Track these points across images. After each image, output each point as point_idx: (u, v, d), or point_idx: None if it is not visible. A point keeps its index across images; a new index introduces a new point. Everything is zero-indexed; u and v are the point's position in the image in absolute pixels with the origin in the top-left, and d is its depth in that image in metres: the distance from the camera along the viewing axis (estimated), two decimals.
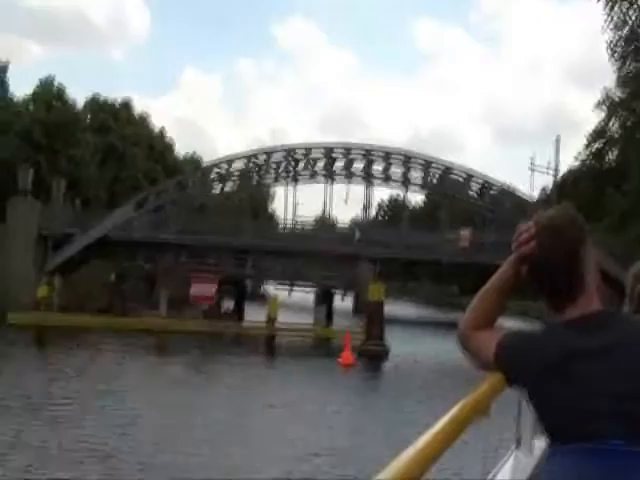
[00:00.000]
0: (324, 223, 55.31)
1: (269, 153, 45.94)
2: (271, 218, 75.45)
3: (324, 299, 42.85)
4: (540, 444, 2.70)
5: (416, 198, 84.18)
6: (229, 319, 41.26)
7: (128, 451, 15.77)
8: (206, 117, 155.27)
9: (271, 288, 72.93)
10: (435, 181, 48.16)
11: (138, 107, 70.08)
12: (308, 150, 46.28)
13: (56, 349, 28.54)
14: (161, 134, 73.79)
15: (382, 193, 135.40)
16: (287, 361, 29.75)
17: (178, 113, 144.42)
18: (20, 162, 46.96)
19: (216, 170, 46.90)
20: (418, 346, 38.46)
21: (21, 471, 13.84)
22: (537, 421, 1.63)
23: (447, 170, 47.01)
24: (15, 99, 56.13)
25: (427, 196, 69.96)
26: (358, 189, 48.96)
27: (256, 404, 21.02)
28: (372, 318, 32.73)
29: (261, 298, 79.84)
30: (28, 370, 24.13)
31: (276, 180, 47.66)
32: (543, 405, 1.55)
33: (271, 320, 30.68)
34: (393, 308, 66.02)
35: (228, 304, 47.41)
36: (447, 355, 35.67)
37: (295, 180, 46.91)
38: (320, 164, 46.64)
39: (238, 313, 44.83)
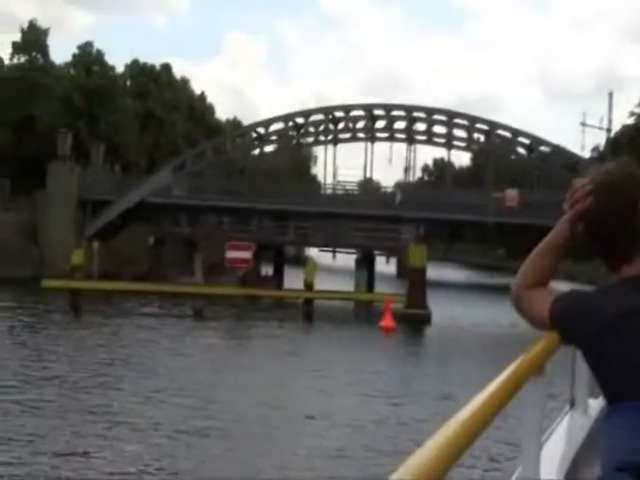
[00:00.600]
0: (367, 185, 53.99)
1: (307, 114, 44.63)
2: (313, 181, 74.33)
3: (364, 263, 41.74)
4: (595, 404, 2.67)
5: (461, 161, 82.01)
6: (268, 285, 40.63)
7: (158, 418, 15.21)
8: (249, 82, 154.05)
9: (315, 252, 72.39)
10: (480, 140, 46.30)
11: (179, 73, 69.46)
12: (348, 110, 44.87)
13: (88, 316, 28.29)
14: (202, 97, 73.01)
15: (427, 155, 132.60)
16: (325, 327, 28.95)
17: (220, 78, 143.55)
18: (61, 127, 46.81)
19: (254, 132, 45.90)
20: (462, 311, 37.26)
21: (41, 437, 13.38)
22: (594, 381, 1.63)
23: (492, 128, 45.07)
24: (56, 65, 55.93)
25: (472, 158, 67.87)
26: (401, 150, 47.49)
27: (292, 370, 20.30)
28: (413, 282, 31.62)
29: (305, 263, 79.32)
30: (59, 337, 23.88)
31: (316, 141, 46.42)
32: (599, 364, 1.54)
33: (308, 285, 29.80)
34: (437, 272, 64.72)
35: (267, 270, 46.83)
36: (493, 320, 34.53)
37: (335, 141, 45.63)
38: (360, 124, 45.23)
39: (277, 278, 44.15)
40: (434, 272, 62.52)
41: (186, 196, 43.90)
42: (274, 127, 44.97)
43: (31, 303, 31.21)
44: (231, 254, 30.61)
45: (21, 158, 49.72)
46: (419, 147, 47.67)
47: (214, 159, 44.64)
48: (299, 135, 45.31)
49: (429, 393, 18.19)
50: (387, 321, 27.66)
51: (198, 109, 68.62)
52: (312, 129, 45.47)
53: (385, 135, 45.98)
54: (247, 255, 30.65)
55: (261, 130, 45.09)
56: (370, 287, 41.57)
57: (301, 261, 76.86)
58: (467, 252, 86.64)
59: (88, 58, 54.95)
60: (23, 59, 54.68)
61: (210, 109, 73.28)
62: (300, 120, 44.97)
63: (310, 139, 46.02)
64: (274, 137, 45.39)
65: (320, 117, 45.15)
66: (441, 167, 79.71)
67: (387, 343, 26.09)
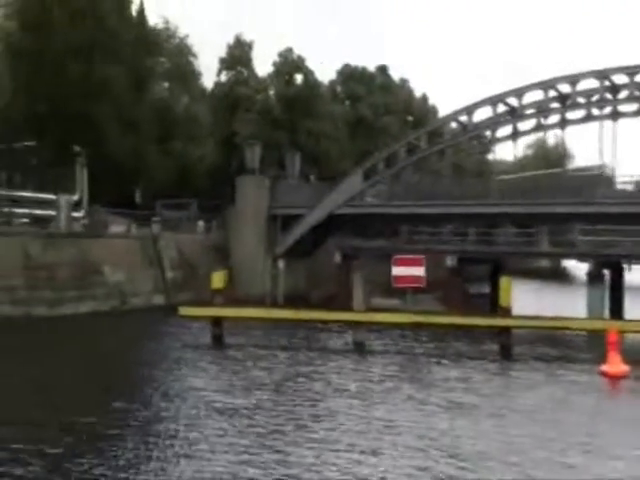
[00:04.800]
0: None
1: (520, 93, 35.83)
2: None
3: (599, 277, 31.56)
4: None
5: None
6: (476, 305, 32.90)
7: None
8: (472, 81, 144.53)
9: (572, 263, 61.94)
10: None
11: (397, 75, 64.00)
12: (574, 80, 35.31)
13: (229, 351, 23.42)
14: (423, 99, 66.81)
15: None
16: (523, 368, 20.64)
17: (442, 77, 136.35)
18: (259, 140, 43.98)
19: (456, 122, 38.35)
20: None
21: None
22: None
23: None
24: (259, 77, 54.00)
25: None
26: None
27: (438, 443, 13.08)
28: None
29: (560, 277, 68.24)
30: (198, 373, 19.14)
31: (538, 126, 37.32)
32: None
33: (504, 310, 21.83)
34: None
35: (482, 288, 38.77)
36: None
37: (563, 123, 36.43)
38: (595, 97, 35.40)
39: (492, 297, 35.88)
40: None
41: (381, 204, 38.02)
42: (478, 114, 36.93)
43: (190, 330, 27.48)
44: (397, 270, 23.91)
45: (226, 175, 48.09)
46: None
47: (410, 161, 37.97)
48: (514, 119, 36.64)
49: None
50: (612, 362, 18.68)
51: (417, 112, 62.53)
52: (530, 111, 36.57)
53: (632, 109, 35.51)
54: (418, 272, 23.69)
55: (463, 118, 37.35)
56: (616, 310, 31.50)
57: (557, 276, 65.96)
58: None
59: (290, 64, 51.95)
60: (230, 75, 53.45)
61: (432, 111, 66.65)
62: (513, 102, 36.33)
63: (529, 124, 36.88)
64: (481, 126, 37.31)
65: (539, 95, 36.16)
66: None
67: (608, 404, 17.15)
